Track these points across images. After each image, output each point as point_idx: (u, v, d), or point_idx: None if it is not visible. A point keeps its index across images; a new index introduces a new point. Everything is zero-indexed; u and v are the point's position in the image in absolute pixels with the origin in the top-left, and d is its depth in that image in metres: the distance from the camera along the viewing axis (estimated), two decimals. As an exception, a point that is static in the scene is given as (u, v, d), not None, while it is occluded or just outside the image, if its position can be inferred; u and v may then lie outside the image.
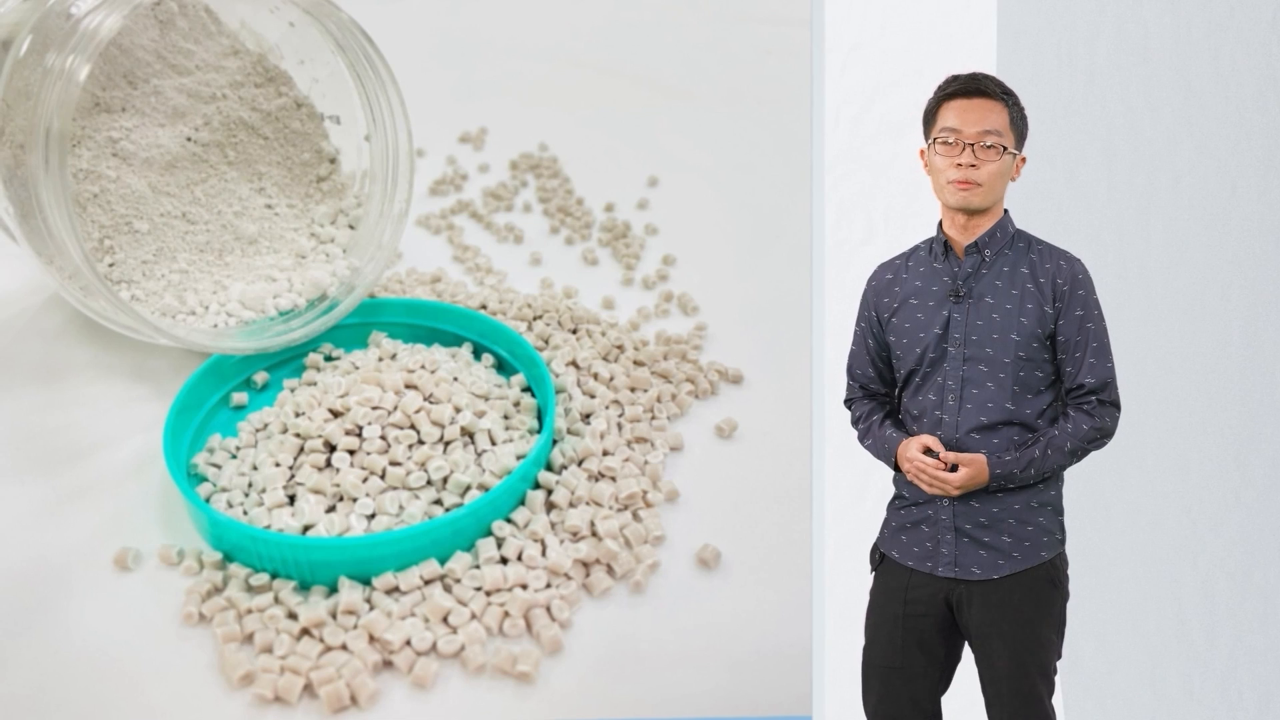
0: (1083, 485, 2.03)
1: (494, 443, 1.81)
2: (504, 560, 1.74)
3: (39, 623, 1.68)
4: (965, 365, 1.57)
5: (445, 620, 1.68)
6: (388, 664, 1.65)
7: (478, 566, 1.72)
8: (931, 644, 1.59)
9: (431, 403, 1.82)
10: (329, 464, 1.77)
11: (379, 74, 1.96)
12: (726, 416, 1.94)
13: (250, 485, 1.78)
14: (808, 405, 1.96)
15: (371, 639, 1.66)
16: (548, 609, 1.70)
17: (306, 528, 1.71)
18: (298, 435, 1.80)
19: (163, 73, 1.97)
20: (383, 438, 1.78)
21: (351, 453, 1.77)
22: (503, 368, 1.98)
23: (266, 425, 1.86)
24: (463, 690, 1.64)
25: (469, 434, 1.81)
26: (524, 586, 1.71)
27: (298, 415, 1.82)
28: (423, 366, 1.88)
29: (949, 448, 1.56)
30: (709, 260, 2.18)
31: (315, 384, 1.89)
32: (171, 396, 1.85)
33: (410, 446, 1.78)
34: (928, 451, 1.56)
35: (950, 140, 1.55)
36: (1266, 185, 2.17)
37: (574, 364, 1.98)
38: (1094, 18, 2.12)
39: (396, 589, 1.69)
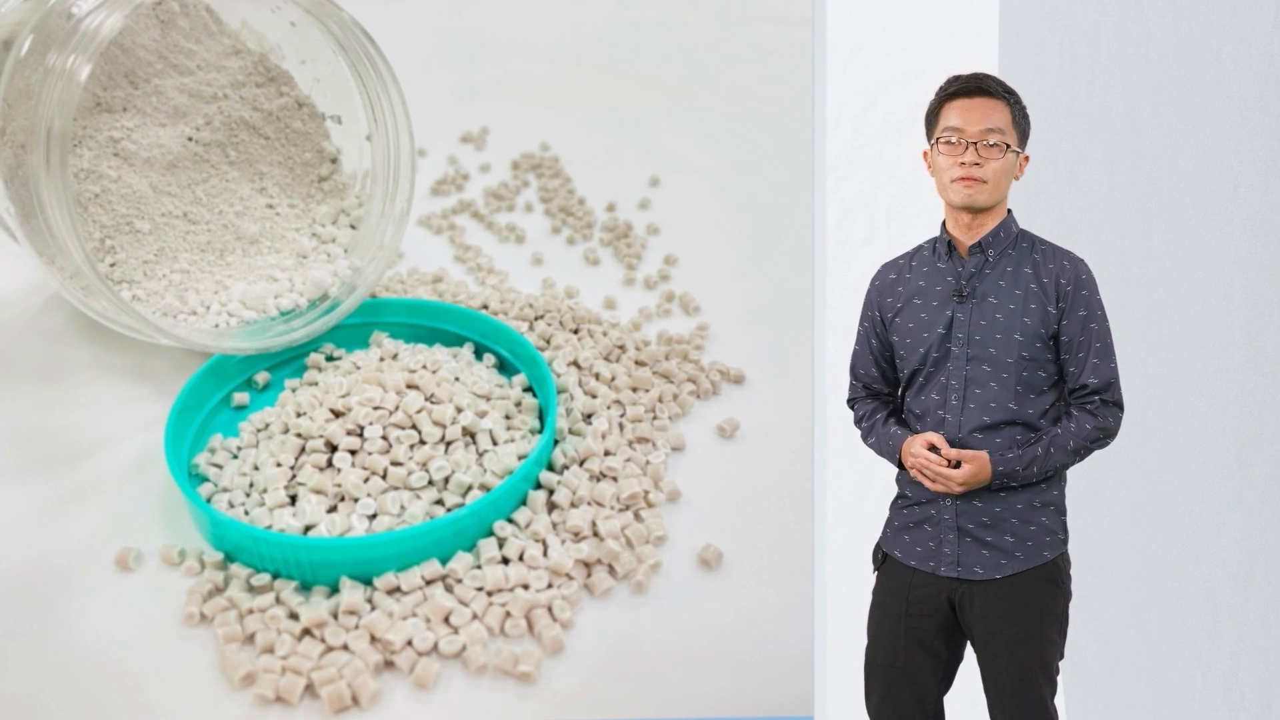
0: (1085, 485, 2.03)
1: (495, 443, 1.81)
2: (505, 560, 1.73)
3: (40, 623, 1.68)
4: (968, 365, 1.57)
5: (447, 620, 1.68)
6: (389, 664, 1.65)
7: (479, 567, 1.72)
8: (934, 644, 1.59)
9: (433, 403, 1.82)
10: (330, 464, 1.77)
11: (380, 74, 1.95)
12: (728, 416, 1.94)
13: (251, 485, 1.78)
14: (809, 405, 1.96)
15: (373, 639, 1.65)
16: (549, 609, 1.70)
17: (308, 528, 1.71)
18: (299, 435, 1.80)
19: (164, 72, 1.97)
20: (384, 438, 1.78)
21: (353, 453, 1.77)
22: (504, 368, 1.98)
23: (268, 425, 1.86)
24: (464, 690, 1.64)
25: (470, 434, 1.81)
26: (525, 587, 1.71)
27: (299, 415, 1.82)
28: (424, 366, 1.88)
29: (952, 447, 1.56)
30: (711, 260, 2.18)
31: (317, 384, 1.89)
32: (172, 396, 1.84)
33: (412, 446, 1.78)
34: (932, 449, 1.56)
35: (953, 140, 1.56)
36: (1269, 185, 2.16)
37: (575, 364, 1.98)
38: (1096, 17, 2.12)
39: (398, 589, 1.69)
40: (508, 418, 1.86)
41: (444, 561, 1.72)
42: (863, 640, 1.63)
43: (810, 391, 1.97)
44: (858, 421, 1.66)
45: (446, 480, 1.76)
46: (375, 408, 1.79)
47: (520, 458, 1.80)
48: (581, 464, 1.84)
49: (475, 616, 1.68)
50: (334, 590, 1.70)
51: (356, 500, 1.73)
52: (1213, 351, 2.16)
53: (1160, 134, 2.14)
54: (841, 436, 1.85)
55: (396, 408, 1.80)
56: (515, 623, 1.68)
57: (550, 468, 1.83)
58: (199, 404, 1.88)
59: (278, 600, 1.69)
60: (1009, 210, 1.60)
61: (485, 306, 2.07)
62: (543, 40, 2.50)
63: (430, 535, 1.70)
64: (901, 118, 2.10)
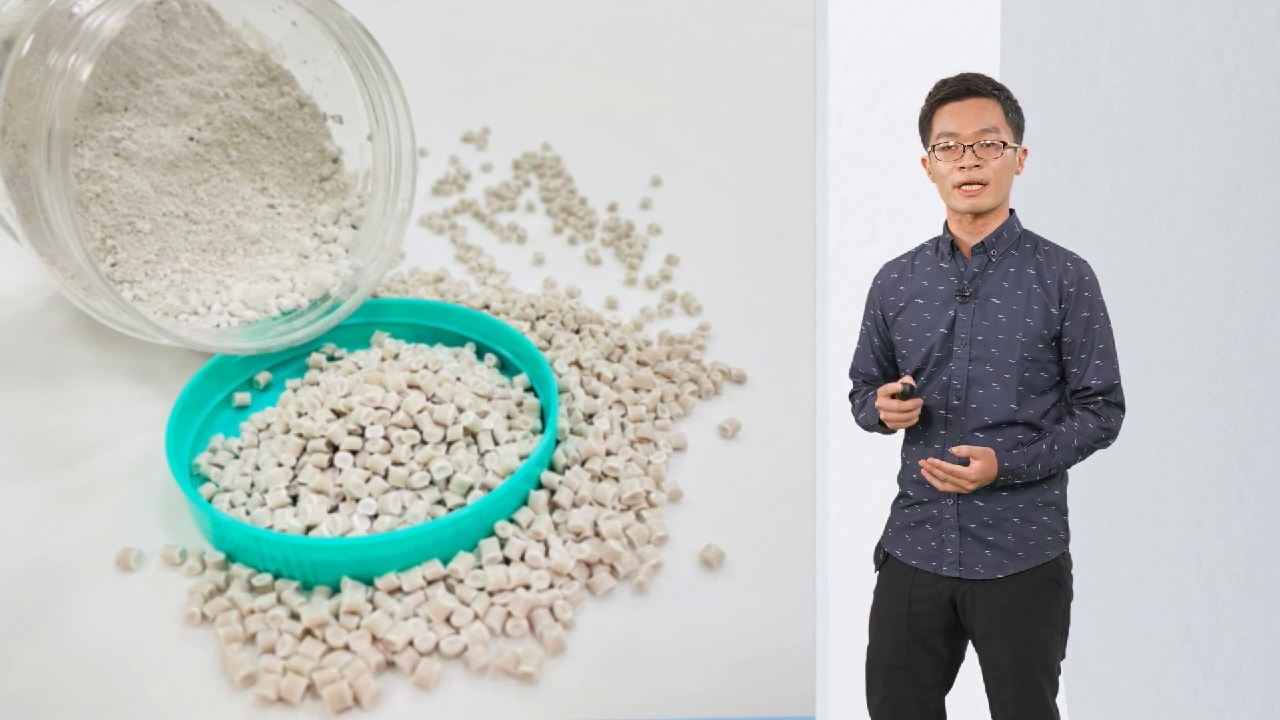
0: (1087, 485, 2.03)
1: (497, 443, 1.81)
2: (507, 560, 1.73)
3: (41, 623, 1.68)
4: (971, 365, 1.57)
5: (448, 621, 1.67)
6: (390, 664, 1.65)
7: (480, 567, 1.72)
8: (935, 643, 1.59)
9: (434, 403, 1.82)
10: (331, 464, 1.77)
11: (382, 74, 1.95)
12: (730, 416, 1.94)
13: (253, 485, 1.78)
14: (811, 405, 1.96)
15: (374, 639, 1.65)
16: (551, 609, 1.70)
17: (309, 528, 1.70)
18: (300, 435, 1.79)
19: (165, 72, 1.97)
20: (385, 438, 1.77)
21: (354, 453, 1.77)
22: (505, 368, 1.98)
23: (269, 425, 1.86)
24: (465, 691, 1.64)
25: (472, 434, 1.81)
26: (527, 587, 1.71)
27: (300, 415, 1.82)
28: (425, 366, 1.88)
29: (955, 447, 1.56)
30: (712, 260, 2.18)
31: (318, 384, 1.89)
32: (174, 396, 1.84)
33: (413, 447, 1.77)
34: (939, 453, 1.56)
35: (950, 144, 1.56)
36: (1271, 185, 2.16)
37: (577, 364, 1.98)
38: (1098, 17, 2.12)
39: (399, 589, 1.69)
40: (509, 418, 1.86)
41: (445, 562, 1.71)
42: (864, 640, 1.63)
43: (812, 391, 1.97)
44: (853, 411, 1.66)
45: (448, 480, 1.76)
46: (377, 408, 1.79)
47: (522, 458, 1.80)
48: (583, 464, 1.84)
49: (477, 617, 1.68)
50: (335, 590, 1.69)
51: (358, 500, 1.72)
52: (1215, 351, 2.16)
53: (1162, 134, 2.13)
54: (843, 436, 1.85)
55: (398, 408, 1.80)
56: (517, 623, 1.68)
57: (552, 468, 1.83)
58: (200, 404, 1.88)
59: (279, 600, 1.68)
60: (1011, 210, 1.60)
61: (487, 306, 2.07)
62: (544, 40, 2.50)
63: (431, 535, 1.70)
64: (903, 118, 2.10)
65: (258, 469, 1.80)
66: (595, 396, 1.93)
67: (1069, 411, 1.57)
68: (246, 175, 2.03)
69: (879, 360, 1.65)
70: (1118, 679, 2.11)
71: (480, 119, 2.43)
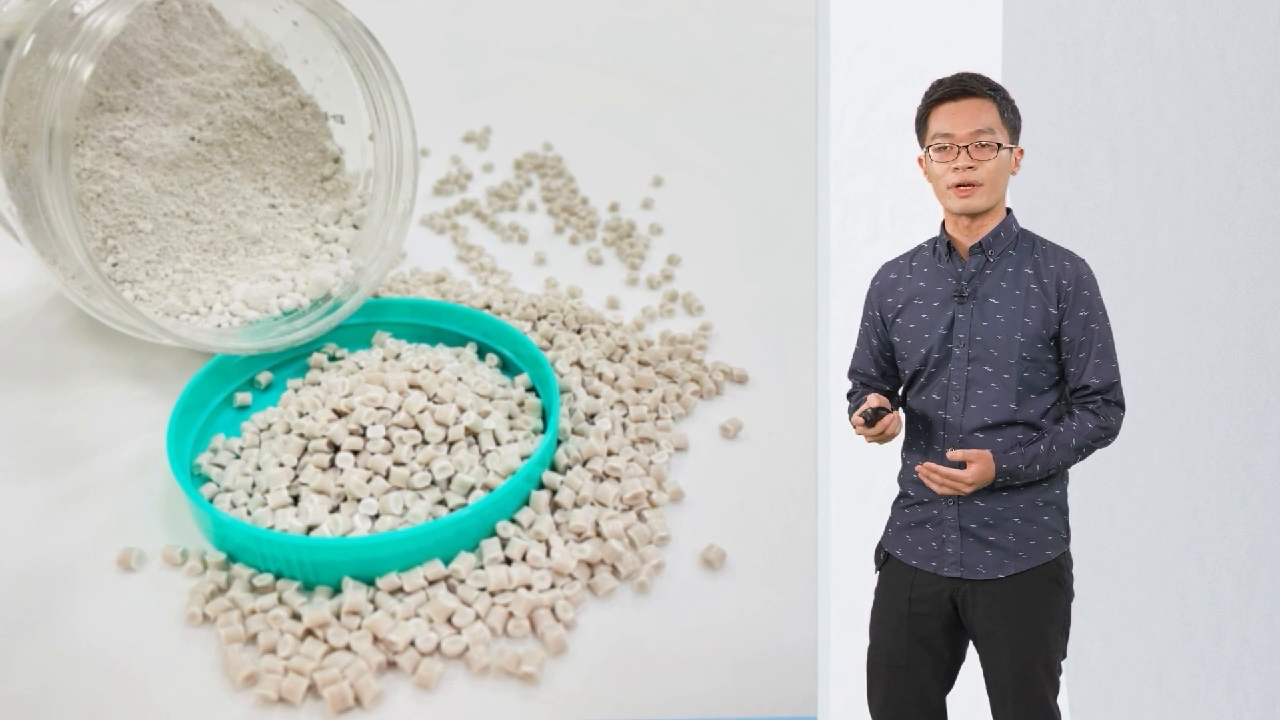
0: (1088, 485, 2.03)
1: (498, 443, 1.81)
2: (508, 561, 1.73)
3: (42, 623, 1.68)
4: (970, 366, 1.56)
5: (449, 621, 1.67)
6: (392, 665, 1.65)
7: (482, 567, 1.72)
8: (936, 643, 1.59)
9: (435, 403, 1.82)
10: (333, 464, 1.77)
11: (383, 73, 1.95)
12: (731, 416, 1.93)
13: (254, 485, 1.78)
14: (813, 405, 1.95)
15: (375, 640, 1.65)
16: (552, 610, 1.70)
17: (310, 528, 1.70)
18: (301, 435, 1.79)
19: (166, 72, 1.97)
20: (387, 438, 1.77)
21: (355, 453, 1.77)
22: (507, 368, 1.97)
23: (270, 425, 1.85)
24: (467, 691, 1.64)
25: (473, 434, 1.81)
26: (528, 587, 1.70)
27: (301, 415, 1.82)
28: (427, 366, 1.88)
29: (954, 448, 1.56)
30: (714, 260, 2.18)
31: (319, 384, 1.89)
32: (175, 396, 1.84)
33: (414, 447, 1.77)
34: (938, 454, 1.56)
35: (944, 145, 1.55)
36: (1273, 185, 2.16)
37: (578, 364, 1.97)
38: (1100, 17, 2.11)
39: (400, 590, 1.69)
40: (510, 418, 1.86)
41: (447, 562, 1.71)
42: (866, 640, 1.63)
43: (814, 391, 1.97)
44: (849, 410, 1.66)
45: (449, 480, 1.76)
46: (378, 408, 1.79)
47: (523, 458, 1.80)
48: (584, 464, 1.84)
49: (478, 617, 1.68)
50: (336, 591, 1.69)
51: (359, 500, 1.72)
52: (1217, 351, 2.16)
53: (1164, 134, 2.13)
54: (845, 437, 1.85)
55: (399, 408, 1.80)
56: (518, 623, 1.68)
57: (553, 468, 1.83)
58: (201, 404, 1.88)
59: (280, 601, 1.68)
60: (1009, 210, 1.60)
61: (488, 306, 2.07)
62: (545, 40, 2.49)
63: (433, 535, 1.70)
64: (905, 117, 2.09)
65: (259, 469, 1.79)
66: (597, 396, 1.93)
67: (1068, 411, 1.57)
68: (248, 175, 2.03)
69: (878, 361, 1.65)
70: (1120, 679, 2.11)
71: (482, 119, 2.43)
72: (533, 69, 2.47)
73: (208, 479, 1.81)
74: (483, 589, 1.70)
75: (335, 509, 1.73)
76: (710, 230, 2.23)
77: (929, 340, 1.58)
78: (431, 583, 1.70)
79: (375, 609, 1.67)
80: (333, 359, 1.98)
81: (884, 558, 1.63)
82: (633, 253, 2.19)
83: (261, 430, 1.86)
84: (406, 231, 2.03)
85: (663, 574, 1.76)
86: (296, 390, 1.90)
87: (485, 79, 2.47)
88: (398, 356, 1.93)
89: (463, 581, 1.70)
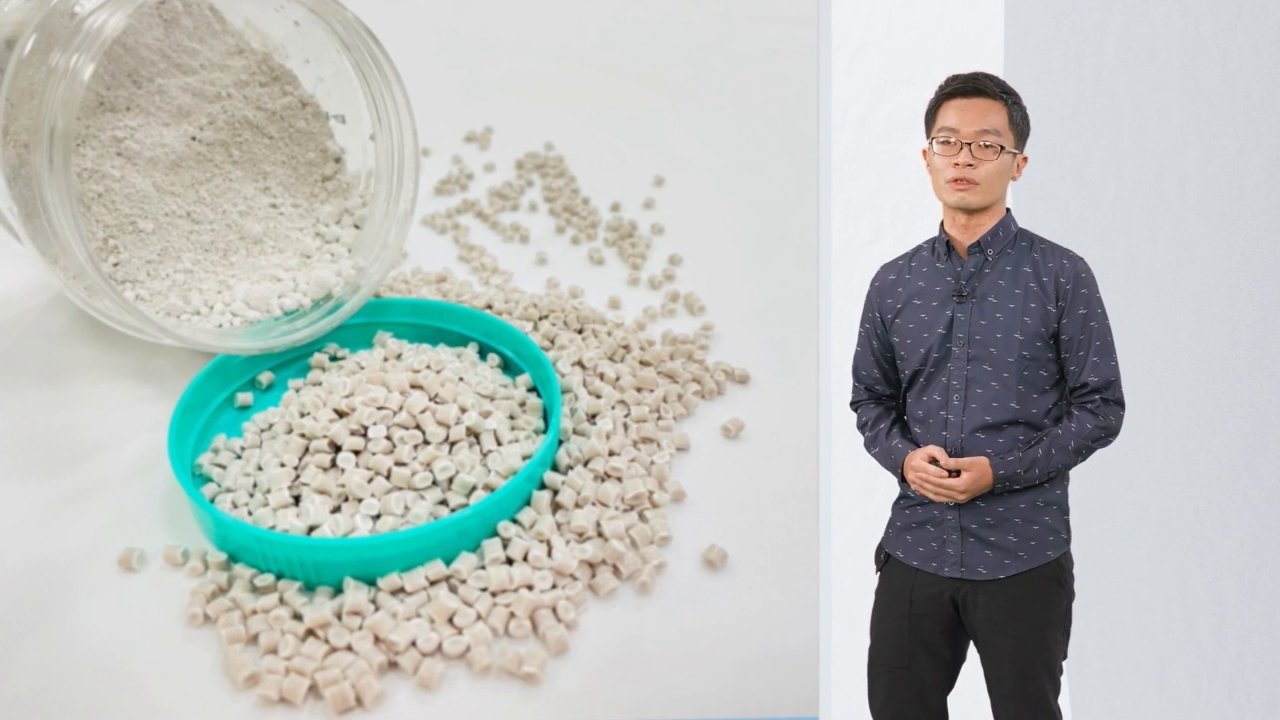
0: (1090, 485, 2.02)
1: (499, 443, 1.81)
2: (509, 561, 1.73)
3: (43, 624, 1.68)
4: (969, 365, 1.56)
5: (451, 621, 1.67)
6: (393, 665, 1.65)
7: (483, 567, 1.72)
8: (937, 644, 1.59)
9: (437, 403, 1.81)
10: (334, 464, 1.77)
11: (384, 73, 1.95)
12: (733, 417, 1.93)
13: (255, 486, 1.78)
14: (815, 405, 1.95)
15: (377, 640, 1.65)
16: (553, 610, 1.69)
17: (311, 528, 1.70)
18: (303, 435, 1.79)
19: (167, 72, 1.97)
20: (388, 438, 1.77)
21: (357, 453, 1.77)
22: (508, 368, 1.97)
23: (271, 425, 1.85)
24: (468, 691, 1.64)
25: (474, 434, 1.80)
26: (530, 587, 1.70)
27: (303, 415, 1.82)
28: (428, 366, 1.87)
29: (954, 449, 1.56)
30: (715, 260, 2.18)
31: (320, 384, 1.89)
32: (176, 397, 1.84)
33: (415, 447, 1.77)
34: (933, 461, 1.56)
35: (948, 140, 1.56)
36: (1275, 185, 2.16)
37: (580, 364, 1.97)
38: (1102, 17, 2.11)
39: (402, 590, 1.69)
40: (512, 418, 1.86)
41: (448, 562, 1.71)
42: (867, 641, 1.63)
43: (815, 392, 1.97)
44: (861, 428, 1.66)
45: (450, 480, 1.76)
46: (379, 408, 1.79)
47: (524, 458, 1.79)
48: (586, 464, 1.83)
49: (479, 617, 1.68)
50: (338, 591, 1.69)
51: (360, 500, 1.72)
52: (1218, 351, 2.15)
53: (1166, 134, 2.13)
54: (847, 437, 1.85)
55: (400, 408, 1.79)
56: (519, 623, 1.68)
57: (555, 468, 1.83)
58: (202, 404, 1.88)
59: (281, 601, 1.68)
60: (1008, 209, 1.60)
61: (489, 306, 2.06)
62: (547, 40, 2.49)
63: (434, 536, 1.70)
64: (906, 117, 2.10)
65: (260, 469, 1.79)
66: (598, 396, 1.93)
67: (1066, 412, 1.57)
68: (249, 175, 2.03)
69: (879, 362, 1.65)
70: (1121, 679, 2.11)
71: (483, 118, 2.43)
72: (534, 69, 2.47)
73: (209, 479, 1.81)
74: (484, 589, 1.70)
75: (336, 509, 1.73)
76: (712, 230, 2.23)
77: (928, 340, 1.58)
78: (433, 583, 1.70)
79: (376, 609, 1.67)
80: (334, 359, 1.98)
81: (884, 559, 1.63)
82: (634, 253, 2.19)
83: (263, 430, 1.86)
84: (408, 231, 2.02)
85: (664, 574, 1.76)
86: (298, 390, 1.90)
87: (487, 79, 2.47)
88: (399, 356, 1.93)
89: (464, 582, 1.70)
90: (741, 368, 2.00)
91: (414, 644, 1.65)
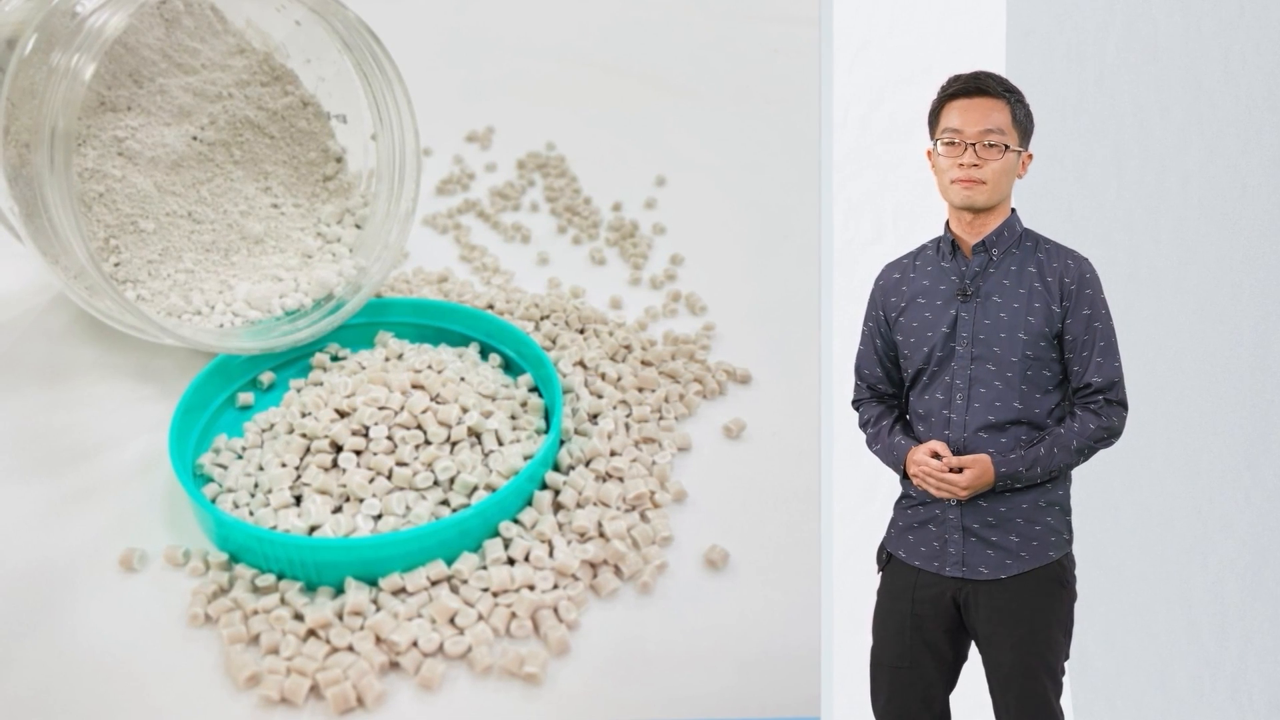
0: (1093, 485, 2.02)
1: (501, 443, 1.81)
2: (511, 561, 1.73)
3: (43, 624, 1.68)
4: (973, 364, 1.56)
5: (452, 621, 1.67)
6: (394, 665, 1.65)
7: (485, 567, 1.72)
8: (939, 644, 1.59)
9: (438, 403, 1.81)
10: (335, 464, 1.77)
11: (385, 73, 1.95)
12: (734, 417, 1.93)
13: (256, 486, 1.78)
14: (816, 405, 1.95)
15: (378, 640, 1.65)
16: (555, 610, 1.69)
17: (313, 528, 1.70)
18: (304, 435, 1.79)
19: (168, 71, 1.97)
20: (389, 438, 1.77)
21: (358, 453, 1.77)
22: (510, 368, 1.97)
23: (273, 425, 1.85)
24: (469, 691, 1.64)
25: (476, 434, 1.80)
26: (531, 587, 1.70)
27: (304, 415, 1.82)
28: (429, 366, 1.87)
29: (957, 448, 1.56)
30: (717, 260, 2.18)
31: (321, 384, 1.89)
32: (177, 396, 1.84)
33: (417, 447, 1.77)
34: (935, 456, 1.56)
35: (953, 140, 1.56)
36: (1277, 185, 2.16)
37: (581, 364, 1.97)
38: (1103, 17, 2.11)
39: (403, 590, 1.69)
40: (513, 418, 1.86)
41: (449, 562, 1.71)
42: (869, 641, 1.63)
43: (817, 392, 1.97)
44: (863, 425, 1.66)
45: (452, 481, 1.75)
46: (380, 408, 1.79)
47: (526, 458, 1.79)
48: (587, 464, 1.83)
49: (481, 617, 1.68)
50: (339, 591, 1.69)
51: (362, 501, 1.72)
52: (1221, 351, 2.15)
53: (1168, 133, 2.13)
54: (848, 437, 1.85)
55: (402, 408, 1.79)
56: (521, 624, 1.67)
57: (556, 468, 1.83)
58: (204, 404, 1.88)
59: (282, 601, 1.68)
60: (1013, 209, 1.60)
61: (491, 306, 2.06)
62: (548, 39, 2.49)
63: (435, 536, 1.70)
64: (908, 117, 2.10)
65: (261, 469, 1.79)
66: (600, 397, 1.92)
67: (1070, 412, 1.57)
68: (250, 175, 2.03)
69: (882, 361, 1.65)
70: (1123, 679, 2.10)
71: (484, 118, 2.42)
72: (535, 68, 2.47)
73: (210, 479, 1.81)
74: (485, 589, 1.70)
75: (338, 509, 1.73)
76: (713, 230, 2.23)
77: (932, 339, 1.58)
78: (434, 583, 1.70)
79: (378, 609, 1.67)
80: (335, 359, 1.97)
81: (886, 558, 1.63)
82: (635, 252, 2.19)
83: (264, 430, 1.86)
84: (409, 231, 2.02)
85: (666, 574, 1.76)
86: (299, 390, 1.90)
87: (488, 78, 2.47)
88: (400, 356, 1.93)
89: (465, 582, 1.70)
90: (743, 368, 2.00)
91: (415, 644, 1.65)
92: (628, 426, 1.90)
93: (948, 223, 1.61)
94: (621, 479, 1.82)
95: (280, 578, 1.70)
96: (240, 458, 1.83)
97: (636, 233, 2.23)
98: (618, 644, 1.69)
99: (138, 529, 1.76)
